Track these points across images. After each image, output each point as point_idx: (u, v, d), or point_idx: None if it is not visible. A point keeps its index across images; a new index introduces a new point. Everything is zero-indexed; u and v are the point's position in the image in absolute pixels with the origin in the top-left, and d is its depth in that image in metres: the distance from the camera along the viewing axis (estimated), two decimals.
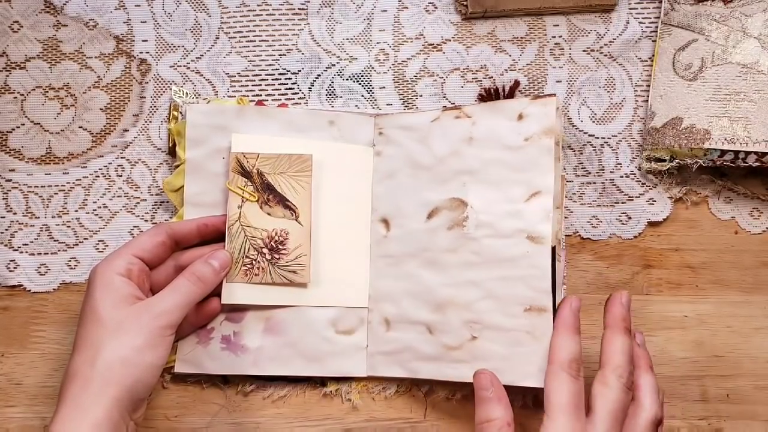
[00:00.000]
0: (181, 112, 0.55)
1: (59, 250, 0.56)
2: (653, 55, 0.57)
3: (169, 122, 0.56)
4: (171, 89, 0.57)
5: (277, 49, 0.58)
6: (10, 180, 0.56)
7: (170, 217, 0.56)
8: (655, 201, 0.56)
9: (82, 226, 0.56)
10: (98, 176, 0.57)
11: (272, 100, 0.57)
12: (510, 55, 0.58)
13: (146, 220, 0.56)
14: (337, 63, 0.57)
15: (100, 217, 0.56)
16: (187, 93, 0.56)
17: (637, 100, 0.57)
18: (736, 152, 0.53)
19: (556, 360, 0.46)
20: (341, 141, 0.55)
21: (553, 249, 0.52)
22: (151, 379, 0.46)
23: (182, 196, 0.53)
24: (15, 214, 0.56)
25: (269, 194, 0.53)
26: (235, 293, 0.52)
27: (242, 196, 0.52)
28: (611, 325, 0.48)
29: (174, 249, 0.51)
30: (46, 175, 0.56)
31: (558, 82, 0.57)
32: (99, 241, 0.56)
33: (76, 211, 0.56)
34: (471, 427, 0.54)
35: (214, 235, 0.53)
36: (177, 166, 0.54)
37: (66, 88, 0.57)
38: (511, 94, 0.57)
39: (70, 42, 0.57)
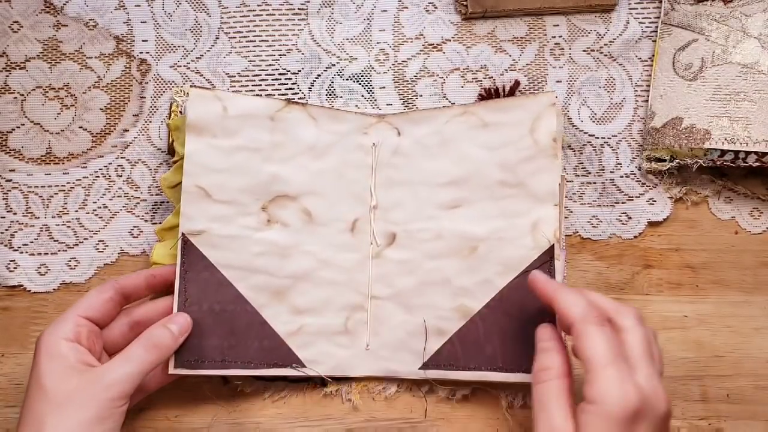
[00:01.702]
0: (181, 112, 0.55)
1: (59, 251, 0.56)
2: (653, 55, 0.57)
3: (169, 119, 0.56)
4: (172, 89, 0.57)
5: (277, 49, 0.58)
6: (10, 180, 0.56)
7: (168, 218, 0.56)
8: (655, 201, 0.56)
9: (82, 226, 0.56)
10: (98, 176, 0.57)
11: (273, 99, 0.57)
12: (510, 55, 0.58)
13: (146, 220, 0.56)
14: (337, 63, 0.58)
15: (100, 218, 0.56)
16: (187, 93, 0.56)
17: (637, 100, 0.57)
18: (736, 152, 0.53)
19: (575, 318, 0.43)
20: None
21: (552, 248, 0.52)
22: None
23: (179, 193, 0.53)
24: (15, 214, 0.56)
25: None
26: None
27: None
28: (552, 289, 0.46)
29: (123, 304, 0.50)
30: (46, 175, 0.56)
31: (558, 82, 0.57)
32: (99, 241, 0.56)
33: (76, 211, 0.56)
34: (471, 427, 0.54)
35: (163, 287, 0.52)
36: (175, 162, 0.54)
37: (66, 88, 0.57)
38: (511, 94, 0.57)
39: (70, 42, 0.57)
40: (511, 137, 0.54)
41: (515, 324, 0.52)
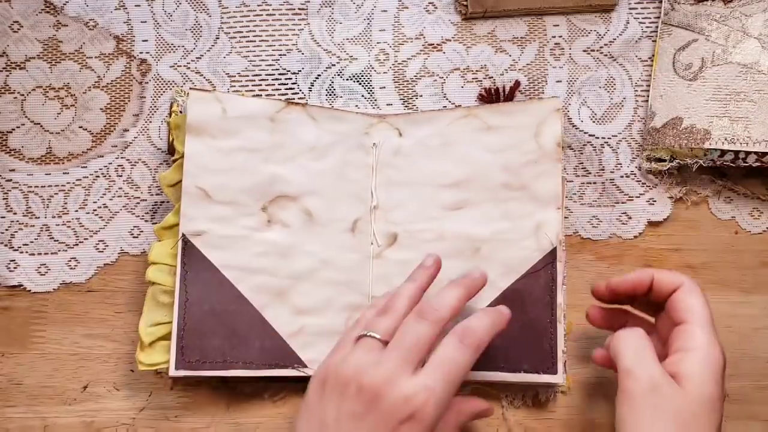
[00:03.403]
0: (181, 111, 0.55)
1: (59, 250, 0.56)
2: (653, 55, 0.57)
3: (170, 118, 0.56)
4: (172, 89, 0.57)
5: (277, 49, 0.58)
6: (10, 180, 0.56)
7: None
8: (655, 201, 0.56)
9: (82, 226, 0.56)
10: (98, 176, 0.57)
11: (272, 100, 0.57)
12: (510, 55, 0.58)
13: (146, 220, 0.56)
14: (337, 63, 0.58)
15: (101, 217, 0.56)
16: (187, 93, 0.56)
17: (637, 100, 0.57)
18: (736, 152, 0.54)
19: (684, 278, 0.46)
20: None
21: (554, 250, 0.52)
22: None
23: (179, 191, 0.53)
24: (15, 214, 0.56)
25: None
26: None
27: None
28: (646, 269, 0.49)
29: None
30: (46, 175, 0.56)
31: (558, 82, 0.57)
32: (99, 241, 0.56)
33: (76, 211, 0.56)
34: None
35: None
36: (175, 161, 0.54)
37: (66, 88, 0.57)
38: (511, 94, 0.57)
39: (70, 42, 0.57)
40: (515, 141, 0.54)
41: (516, 325, 0.52)
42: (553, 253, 0.52)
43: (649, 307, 0.50)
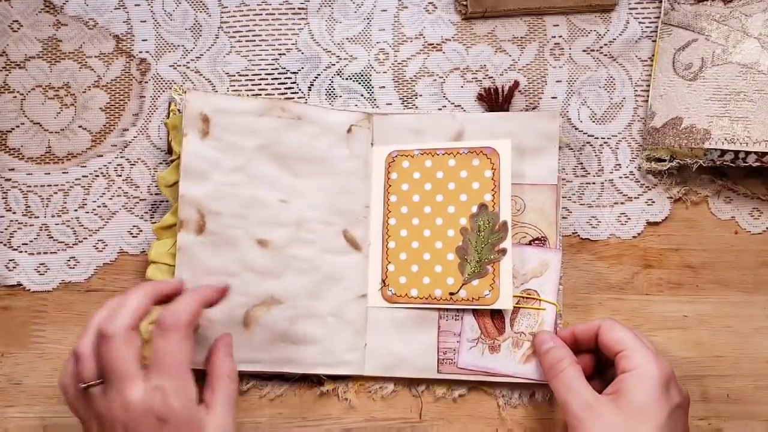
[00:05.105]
0: (179, 110, 0.55)
1: (59, 250, 0.56)
2: (653, 55, 0.57)
3: (167, 118, 0.56)
4: (171, 88, 0.57)
5: (276, 49, 0.58)
6: (10, 179, 0.56)
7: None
8: (654, 201, 0.56)
9: (82, 225, 0.56)
10: (98, 176, 0.57)
11: (267, 99, 0.57)
12: (510, 55, 0.58)
13: (146, 220, 0.56)
14: (337, 62, 0.57)
15: (100, 217, 0.56)
16: (185, 92, 0.56)
17: (637, 100, 0.57)
18: (736, 152, 0.53)
19: (603, 320, 0.50)
20: None
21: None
22: None
23: (176, 191, 0.53)
24: (14, 213, 0.56)
25: None
26: None
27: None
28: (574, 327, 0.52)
29: None
30: (45, 175, 0.56)
31: (558, 82, 0.57)
32: (98, 240, 0.56)
33: (76, 210, 0.56)
34: (470, 426, 0.54)
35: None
36: (172, 161, 0.54)
37: (66, 87, 0.57)
38: (510, 95, 0.57)
39: (70, 41, 0.57)
40: None
41: None
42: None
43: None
